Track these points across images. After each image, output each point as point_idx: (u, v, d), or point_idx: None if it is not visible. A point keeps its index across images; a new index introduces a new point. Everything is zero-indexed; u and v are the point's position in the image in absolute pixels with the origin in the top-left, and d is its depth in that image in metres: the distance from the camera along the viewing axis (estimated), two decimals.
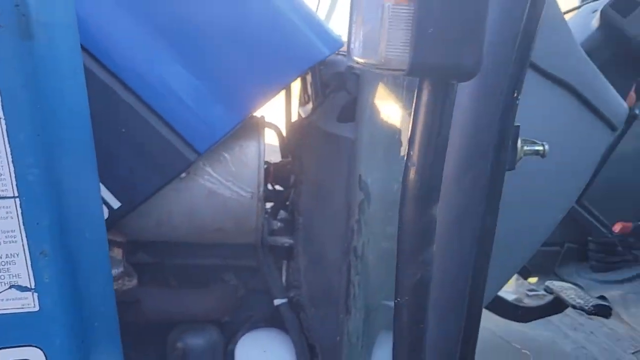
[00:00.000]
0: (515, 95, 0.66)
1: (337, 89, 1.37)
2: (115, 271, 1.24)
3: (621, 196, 2.90)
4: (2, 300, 0.63)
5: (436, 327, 0.70)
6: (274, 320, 1.47)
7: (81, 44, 1.00)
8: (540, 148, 0.75)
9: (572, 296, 1.77)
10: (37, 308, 0.64)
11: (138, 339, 1.45)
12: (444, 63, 0.42)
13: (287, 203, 1.49)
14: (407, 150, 0.54)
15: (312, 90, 1.49)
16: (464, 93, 0.65)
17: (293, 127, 1.45)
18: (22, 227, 0.61)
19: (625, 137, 2.70)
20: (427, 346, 0.68)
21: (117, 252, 1.24)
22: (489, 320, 2.04)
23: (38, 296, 0.64)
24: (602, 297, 2.58)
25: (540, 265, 2.93)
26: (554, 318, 2.23)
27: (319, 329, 1.37)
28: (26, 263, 0.63)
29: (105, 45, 1.05)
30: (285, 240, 1.42)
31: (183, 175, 1.17)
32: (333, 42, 1.21)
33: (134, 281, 1.25)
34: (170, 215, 1.22)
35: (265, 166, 1.59)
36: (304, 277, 1.37)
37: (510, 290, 2.18)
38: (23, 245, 0.62)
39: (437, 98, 0.50)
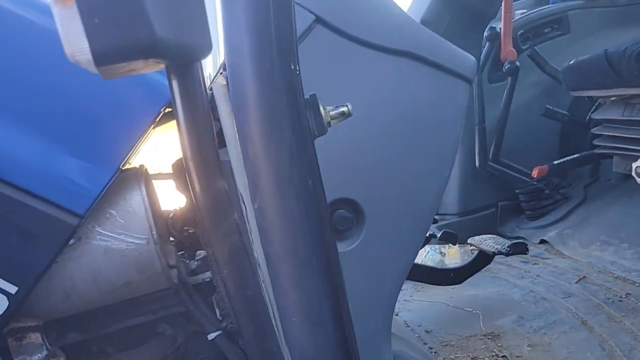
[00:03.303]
0: (294, 67, 0.72)
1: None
2: (37, 356, 1.24)
3: (530, 143, 3.06)
4: None
5: (294, 294, 0.74)
6: (221, 357, 1.48)
7: None
8: (345, 109, 0.81)
9: (491, 244, 1.85)
10: None
11: None
12: (126, 43, 0.47)
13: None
14: (178, 133, 0.58)
15: None
16: (244, 76, 0.70)
17: (179, 168, 1.49)
18: None
19: (516, 90, 2.87)
20: (292, 312, 0.73)
21: (35, 337, 1.24)
22: (442, 295, 2.10)
23: None
24: (542, 241, 2.68)
25: (482, 230, 3.03)
26: (502, 273, 2.30)
27: None
28: None
29: None
30: (206, 276, 1.44)
31: (72, 241, 1.18)
32: None
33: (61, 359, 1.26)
34: (74, 284, 1.23)
35: (172, 214, 1.62)
36: (230, 305, 1.38)
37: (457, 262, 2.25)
38: None
39: (183, 80, 0.55)
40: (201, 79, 0.56)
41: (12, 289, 1.12)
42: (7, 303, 1.13)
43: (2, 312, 1.13)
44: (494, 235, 2.10)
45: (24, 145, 1.12)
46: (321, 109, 0.78)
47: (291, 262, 0.74)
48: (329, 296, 0.78)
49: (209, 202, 0.57)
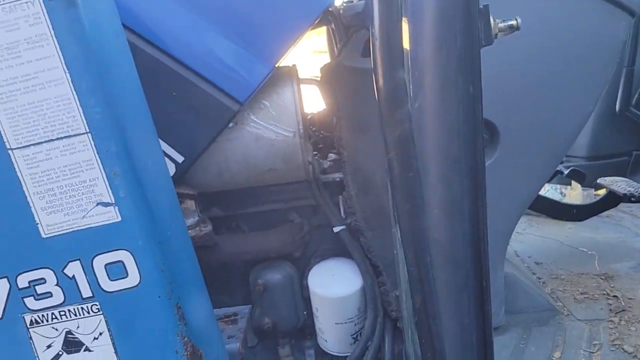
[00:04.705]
0: None
1: (358, 29, 1.49)
2: (191, 220, 1.44)
3: None
4: (93, 215, 0.82)
5: (439, 189, 0.81)
6: (339, 251, 1.63)
7: (127, 25, 1.19)
8: (514, 22, 0.84)
9: (623, 186, 1.79)
10: (119, 219, 0.82)
11: (223, 281, 1.66)
12: None
13: (334, 144, 1.63)
14: (370, 28, 0.66)
15: (337, 35, 1.61)
16: None
17: (325, 73, 1.58)
18: (96, 155, 0.80)
19: None
20: (435, 204, 0.81)
21: (190, 204, 1.43)
22: (557, 233, 2.09)
23: (118, 209, 0.82)
24: None
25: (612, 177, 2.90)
26: (626, 222, 2.23)
27: (379, 249, 1.51)
28: (105, 183, 0.81)
29: (148, 23, 1.24)
30: (336, 175, 1.57)
31: (231, 125, 1.34)
32: None
33: (209, 227, 1.45)
34: (228, 163, 1.39)
35: (310, 116, 1.74)
36: (357, 204, 1.50)
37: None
38: (100, 169, 0.80)
39: None
40: None
41: (180, 159, 1.31)
42: (174, 170, 1.32)
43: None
44: (627, 179, 2.02)
45: (203, 35, 1.25)
46: (491, 20, 0.82)
47: (442, 159, 0.82)
48: (471, 196, 0.85)
49: (389, 89, 0.64)
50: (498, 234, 1.46)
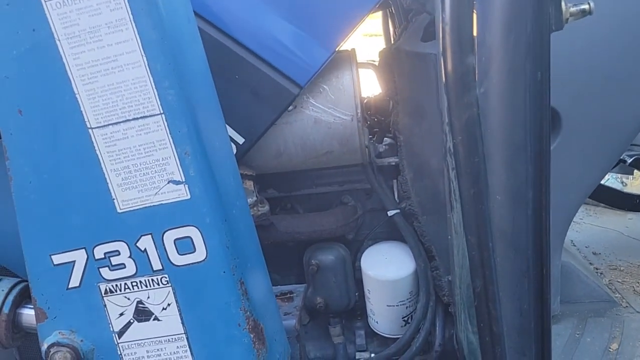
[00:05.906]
0: None
1: (418, 13, 1.49)
2: (249, 200, 1.48)
3: None
4: (164, 193, 0.86)
5: (502, 174, 0.82)
6: (392, 234, 1.64)
7: (196, 12, 1.23)
8: (586, 6, 0.82)
9: None
10: (188, 196, 0.86)
11: (276, 260, 1.70)
12: None
13: (390, 128, 1.64)
14: (440, 13, 0.66)
15: (397, 19, 1.61)
16: None
17: (384, 57, 1.58)
18: (169, 135, 0.84)
19: None
20: (497, 189, 0.81)
21: (249, 184, 1.47)
22: (617, 223, 2.04)
23: (188, 187, 0.86)
24: None
25: None
26: None
27: (433, 233, 1.51)
28: (176, 162, 0.85)
29: (213, 7, 1.27)
30: (392, 160, 1.58)
31: (291, 108, 1.36)
32: None
33: (266, 207, 1.49)
34: (286, 145, 1.42)
35: (366, 100, 1.75)
36: (412, 188, 1.51)
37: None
38: (172, 149, 0.84)
39: None
40: None
41: (240, 140, 1.34)
42: (235, 151, 1.36)
43: None
44: None
45: (265, 20, 1.28)
46: (562, 4, 0.80)
47: (507, 145, 0.81)
48: (535, 183, 0.85)
49: (458, 73, 0.65)
50: (557, 222, 1.43)
